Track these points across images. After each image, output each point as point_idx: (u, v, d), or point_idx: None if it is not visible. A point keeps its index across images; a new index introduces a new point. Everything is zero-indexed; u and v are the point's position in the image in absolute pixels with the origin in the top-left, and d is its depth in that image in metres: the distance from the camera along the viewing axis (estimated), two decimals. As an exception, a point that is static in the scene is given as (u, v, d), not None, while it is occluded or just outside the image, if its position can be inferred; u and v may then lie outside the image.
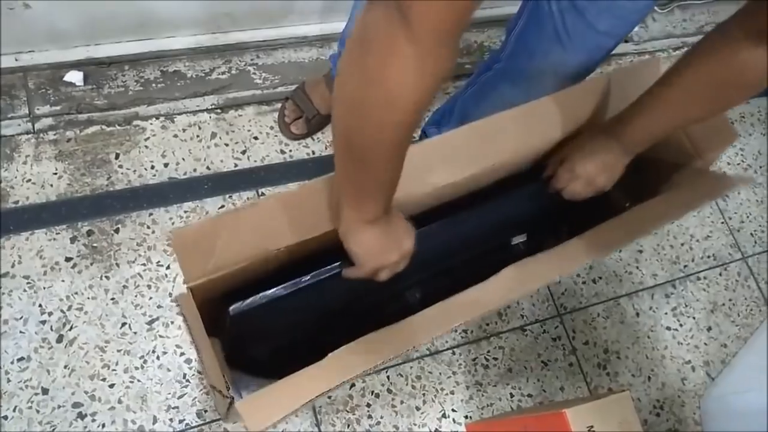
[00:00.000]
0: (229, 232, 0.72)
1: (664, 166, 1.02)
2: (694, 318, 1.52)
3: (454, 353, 1.32)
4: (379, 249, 0.73)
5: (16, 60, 1.32)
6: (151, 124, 1.37)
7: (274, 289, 0.79)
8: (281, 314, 0.82)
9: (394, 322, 0.75)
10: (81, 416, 1.10)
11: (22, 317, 1.14)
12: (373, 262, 0.74)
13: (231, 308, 0.77)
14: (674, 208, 0.93)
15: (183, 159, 1.35)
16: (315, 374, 0.67)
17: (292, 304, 0.81)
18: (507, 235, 1.03)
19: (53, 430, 1.08)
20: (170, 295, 1.21)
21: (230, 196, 1.34)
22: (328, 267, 0.81)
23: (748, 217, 1.71)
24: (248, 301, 0.78)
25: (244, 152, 1.39)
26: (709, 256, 1.62)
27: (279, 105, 1.45)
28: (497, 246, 1.02)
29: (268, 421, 0.63)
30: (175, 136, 1.37)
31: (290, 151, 1.42)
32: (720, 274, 1.61)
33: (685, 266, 1.59)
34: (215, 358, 0.70)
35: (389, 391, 1.25)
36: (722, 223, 1.69)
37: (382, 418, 1.22)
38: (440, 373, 1.29)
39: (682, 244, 1.61)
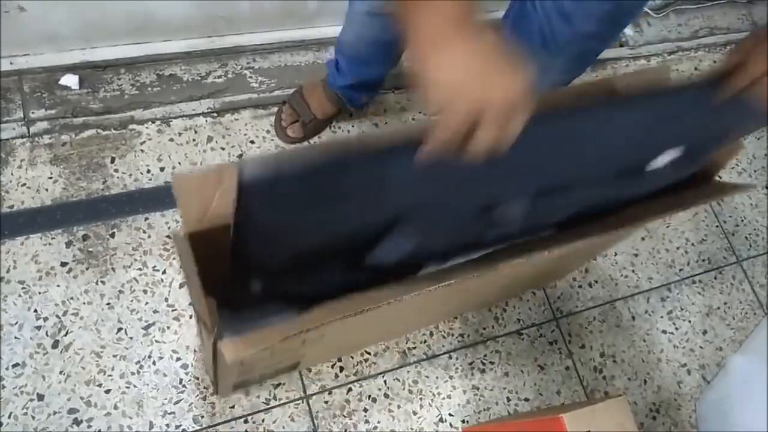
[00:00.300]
0: (233, 182, 0.63)
1: None
2: (689, 321, 1.53)
3: (450, 357, 1.31)
4: (477, 72, 0.47)
5: (11, 63, 1.31)
6: (147, 127, 1.36)
7: (305, 150, 0.54)
8: (310, 203, 0.57)
9: (468, 253, 0.60)
10: (77, 422, 1.09)
11: (17, 323, 1.14)
12: (465, 98, 0.47)
13: (243, 170, 0.53)
14: (668, 207, 0.91)
15: (179, 163, 1.35)
16: (297, 323, 0.64)
17: (331, 193, 0.56)
18: (644, 156, 0.75)
19: (48, 436, 1.08)
20: (166, 300, 1.21)
21: (226, 201, 1.33)
22: (397, 147, 0.53)
23: (742, 220, 1.72)
24: (267, 166, 0.52)
25: (240, 156, 1.39)
26: (704, 260, 1.62)
27: (275, 109, 1.45)
28: (630, 169, 0.74)
29: (242, 352, 0.61)
30: (171, 140, 1.37)
31: (287, 155, 1.42)
32: (715, 278, 1.62)
33: (681, 270, 1.59)
34: (205, 299, 0.64)
35: (386, 395, 1.24)
36: (717, 226, 1.69)
37: (379, 422, 1.22)
38: (437, 377, 1.29)
39: (678, 248, 1.62)
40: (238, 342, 0.61)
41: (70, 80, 1.34)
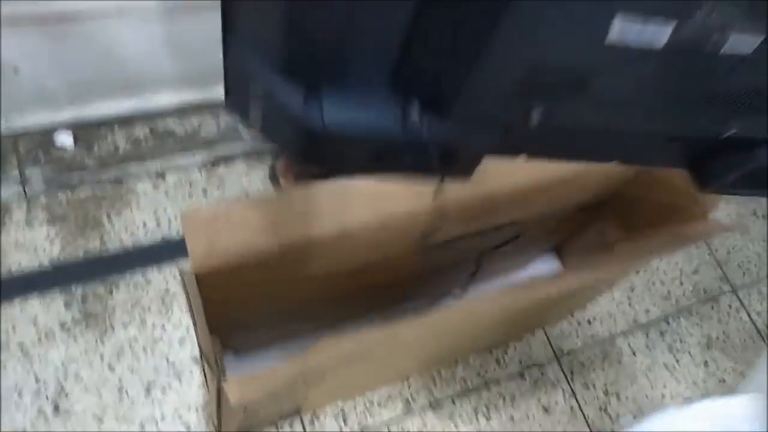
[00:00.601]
0: (240, 220, 0.63)
1: (662, 206, 1.02)
2: (689, 354, 1.53)
3: (454, 403, 1.31)
4: None
5: (6, 124, 1.32)
6: (142, 183, 1.37)
7: None
8: None
9: None
10: (79, 489, 1.07)
11: (17, 388, 1.12)
12: None
13: None
14: (657, 246, 0.93)
15: (175, 217, 1.35)
16: (300, 361, 0.64)
17: None
18: None
19: (50, 505, 1.06)
20: (167, 358, 1.20)
21: (224, 253, 1.33)
22: None
23: (733, 248, 1.74)
24: None
25: (236, 207, 1.39)
26: (699, 290, 1.64)
27: (269, 158, 1.46)
28: None
29: (247, 395, 0.61)
30: (167, 193, 1.37)
31: (283, 204, 1.43)
32: (712, 308, 1.62)
33: (677, 301, 1.60)
34: (210, 340, 0.64)
35: (392, 445, 1.23)
36: (709, 255, 1.71)
37: (385, 474, 1.21)
38: (442, 427, 1.28)
39: (673, 279, 1.63)
40: (244, 383, 0.61)
41: (65, 138, 1.35)
